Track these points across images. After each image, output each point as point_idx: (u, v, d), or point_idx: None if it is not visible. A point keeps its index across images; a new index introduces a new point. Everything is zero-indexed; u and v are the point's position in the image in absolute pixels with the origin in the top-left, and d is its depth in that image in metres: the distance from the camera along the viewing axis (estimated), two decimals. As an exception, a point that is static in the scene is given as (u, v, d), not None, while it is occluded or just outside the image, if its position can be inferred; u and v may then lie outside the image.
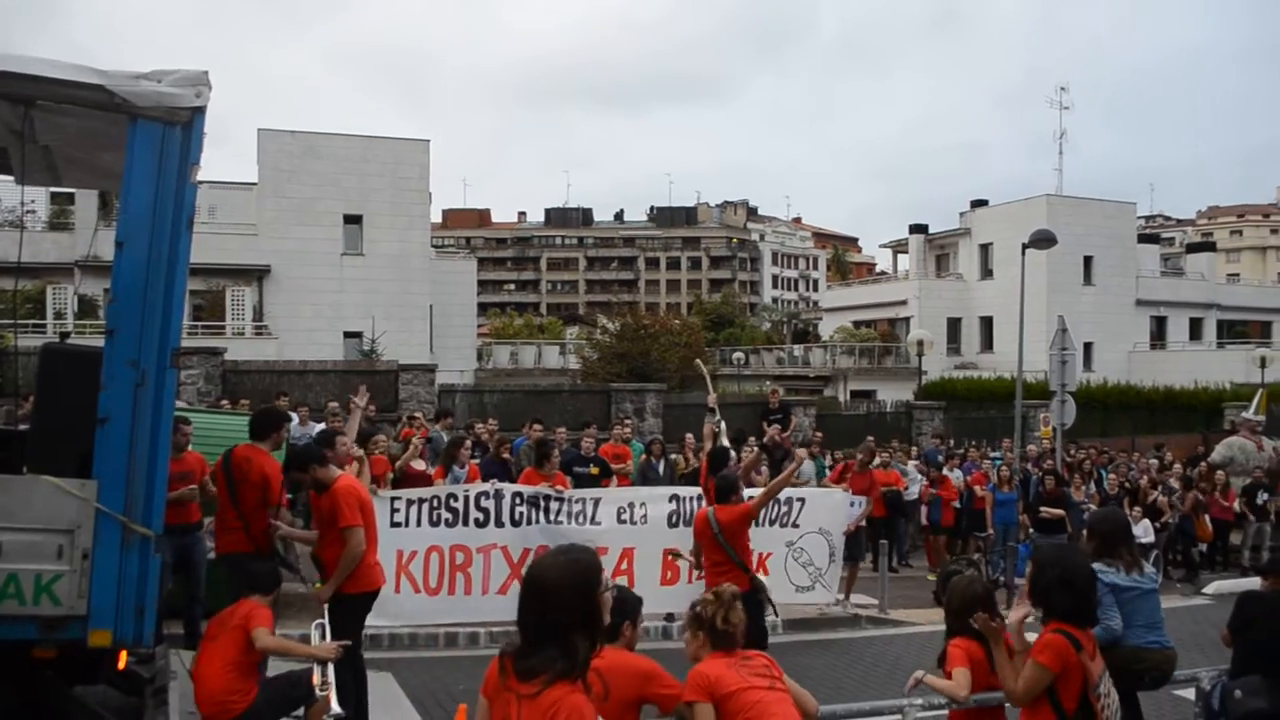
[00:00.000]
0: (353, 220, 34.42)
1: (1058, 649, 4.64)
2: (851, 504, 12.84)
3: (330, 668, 5.80)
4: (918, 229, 54.14)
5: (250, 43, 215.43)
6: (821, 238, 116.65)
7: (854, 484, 13.53)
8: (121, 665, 5.61)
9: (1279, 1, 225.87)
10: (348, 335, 32.92)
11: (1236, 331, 50.89)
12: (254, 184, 33.89)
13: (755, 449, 12.43)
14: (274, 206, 33.39)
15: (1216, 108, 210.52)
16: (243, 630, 5.86)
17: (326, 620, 6.44)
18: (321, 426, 14.21)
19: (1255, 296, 56.25)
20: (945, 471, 17.00)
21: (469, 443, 13.04)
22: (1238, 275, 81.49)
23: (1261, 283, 71.82)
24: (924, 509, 16.82)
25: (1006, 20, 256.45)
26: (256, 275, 33.38)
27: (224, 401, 16.26)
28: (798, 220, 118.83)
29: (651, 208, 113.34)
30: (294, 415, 13.93)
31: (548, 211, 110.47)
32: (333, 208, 34.00)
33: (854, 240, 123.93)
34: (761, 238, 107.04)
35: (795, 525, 11.58)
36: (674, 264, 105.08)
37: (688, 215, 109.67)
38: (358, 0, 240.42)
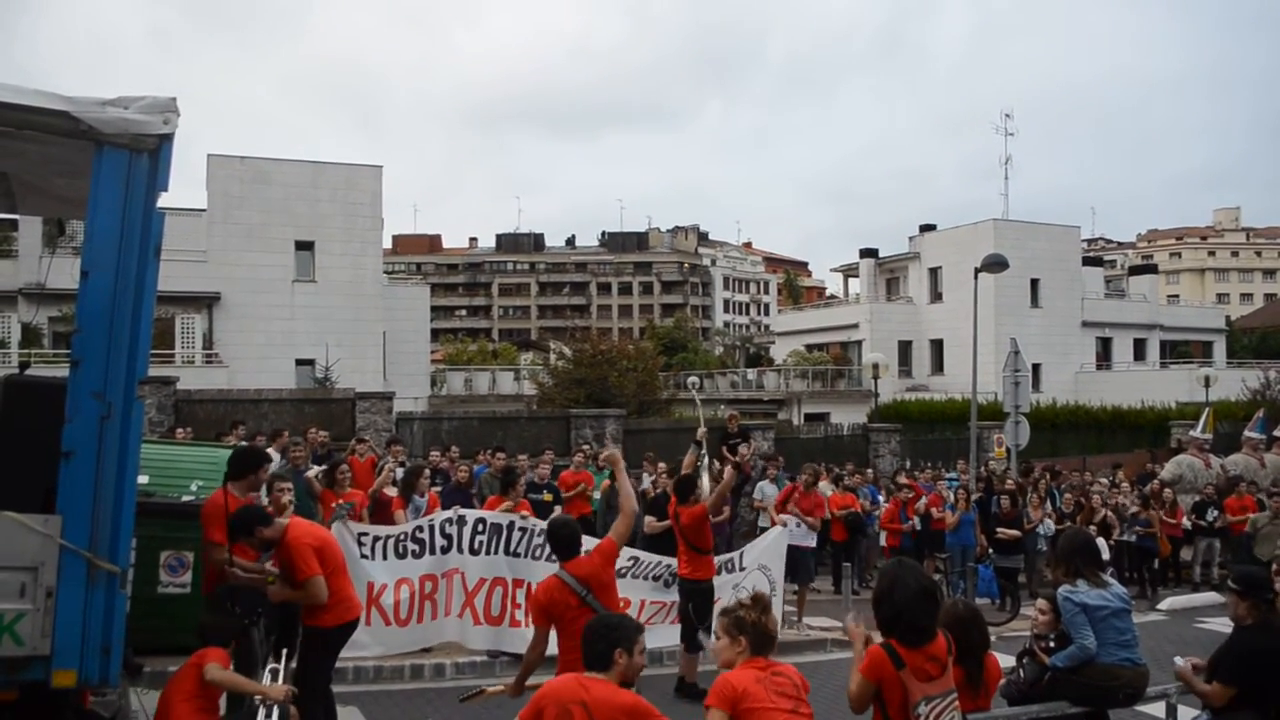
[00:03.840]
0: (304, 246, 34.09)
1: (873, 661, 4.71)
2: (798, 526, 13.03)
3: (276, 711, 5.69)
4: (868, 253, 54.75)
5: (199, 67, 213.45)
6: (772, 262, 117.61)
7: (801, 504, 13.69)
8: (86, 705, 5.46)
9: (1214, 32, 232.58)
10: (300, 363, 32.53)
11: (1179, 352, 51.95)
12: (203, 210, 33.46)
13: (729, 471, 12.37)
14: (224, 233, 32.99)
15: (1155, 134, 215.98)
16: (197, 666, 5.76)
17: (283, 664, 6.33)
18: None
19: (1196, 317, 57.51)
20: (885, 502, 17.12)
21: (428, 471, 12.95)
22: (1178, 297, 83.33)
23: (1201, 304, 73.54)
24: (884, 533, 16.92)
25: (951, 49, 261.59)
26: (206, 302, 32.92)
27: (178, 431, 15.96)
28: (748, 245, 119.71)
29: (603, 233, 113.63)
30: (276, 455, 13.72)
31: (499, 237, 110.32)
32: (284, 234, 33.67)
33: (804, 265, 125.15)
34: (713, 262, 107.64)
35: (741, 569, 11.70)
36: (626, 289, 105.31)
37: (639, 240, 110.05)
38: (309, 26, 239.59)
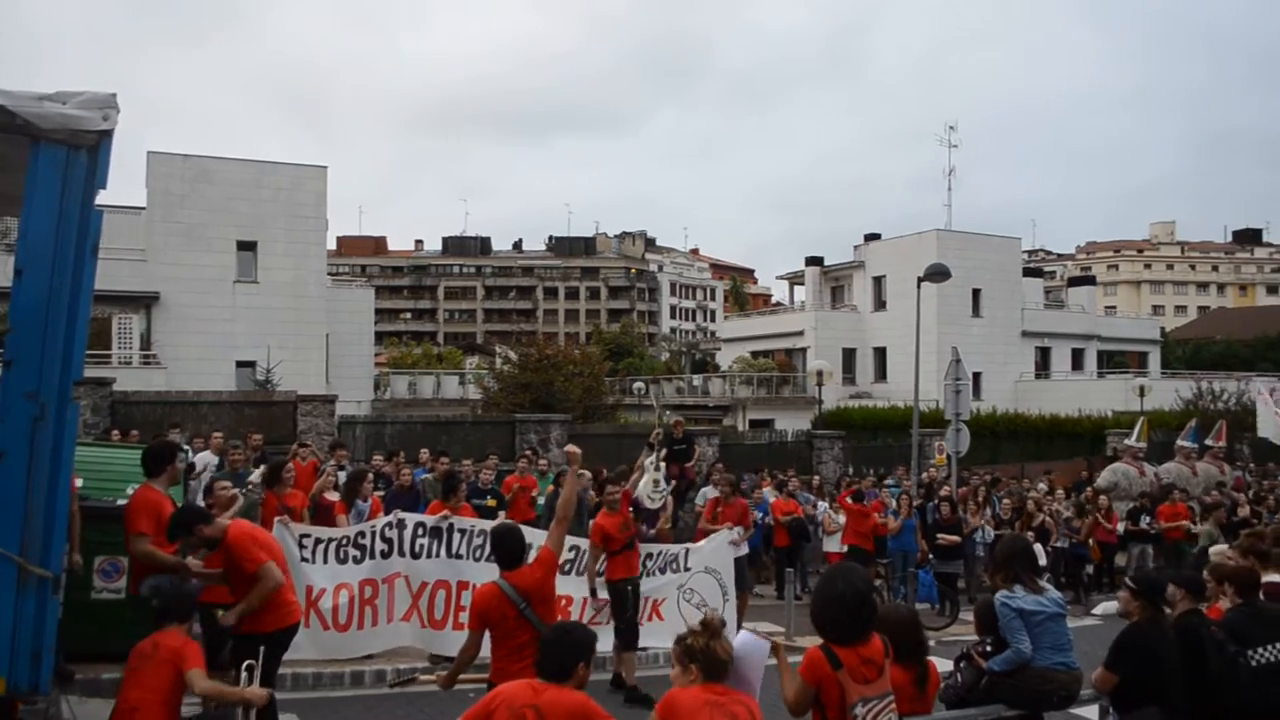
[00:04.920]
0: (246, 247, 33.58)
1: (810, 663, 4.78)
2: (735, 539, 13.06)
3: (254, 713, 5.64)
4: (813, 261, 55.20)
5: (140, 62, 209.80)
6: (719, 269, 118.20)
7: (725, 516, 13.62)
8: (16, 714, 5.32)
9: (1154, 52, 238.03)
10: (240, 365, 32.03)
11: (1116, 361, 53.01)
12: (143, 208, 32.86)
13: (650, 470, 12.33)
14: (164, 232, 32.40)
15: (1094, 149, 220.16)
16: (173, 666, 5.50)
17: (259, 661, 6.19)
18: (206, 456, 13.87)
19: (1132, 328, 58.75)
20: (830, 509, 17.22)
21: (371, 476, 12.84)
22: (1115, 308, 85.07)
23: (1138, 315, 75.19)
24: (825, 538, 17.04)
25: (899, 61, 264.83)
26: (145, 302, 32.30)
27: (114, 433, 15.66)
28: (695, 251, 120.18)
29: (550, 237, 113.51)
30: (188, 449, 13.52)
31: (445, 240, 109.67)
32: (225, 234, 33.12)
33: (751, 272, 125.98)
34: (660, 268, 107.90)
35: (687, 569, 11.72)
36: (573, 294, 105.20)
37: (586, 245, 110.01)
38: (255, 23, 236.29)
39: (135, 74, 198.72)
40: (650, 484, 10.44)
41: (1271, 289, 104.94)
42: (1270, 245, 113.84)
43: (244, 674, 6.00)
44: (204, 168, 33.13)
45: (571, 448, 7.32)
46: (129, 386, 21.25)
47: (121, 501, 9.20)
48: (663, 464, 11.31)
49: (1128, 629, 5.98)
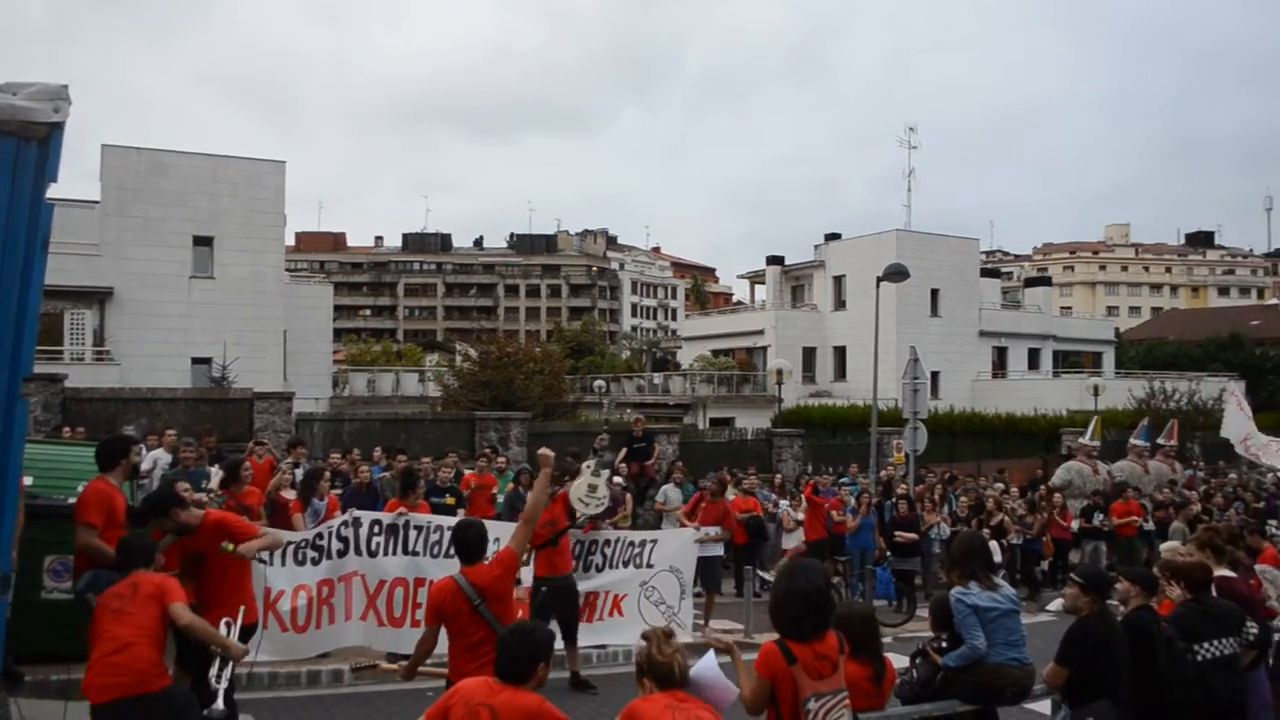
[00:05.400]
0: (203, 242, 33.13)
1: (766, 658, 4.80)
2: (704, 537, 13.08)
3: (230, 667, 5.63)
4: (774, 260, 55.44)
5: (99, 53, 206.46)
6: (680, 268, 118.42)
7: (707, 514, 13.67)
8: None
9: (1110, 59, 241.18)
10: (196, 361, 31.60)
11: (1071, 362, 53.69)
12: (96, 202, 32.34)
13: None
14: (118, 226, 31.88)
15: (1052, 153, 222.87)
16: (158, 602, 5.48)
17: (239, 619, 6.15)
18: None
19: (1087, 329, 59.53)
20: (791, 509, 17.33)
21: (328, 474, 12.73)
22: (1070, 309, 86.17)
23: (1092, 316, 76.22)
24: (785, 535, 17.13)
25: (862, 64, 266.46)
26: (98, 298, 31.78)
27: (65, 431, 15.42)
28: (657, 250, 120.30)
29: (511, 235, 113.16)
30: (143, 446, 13.35)
31: (406, 236, 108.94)
32: (181, 228, 32.65)
33: (712, 271, 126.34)
34: (621, 266, 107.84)
35: (649, 565, 11.74)
36: (534, 291, 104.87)
37: (548, 243, 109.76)
38: (216, 16, 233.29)
39: (91, 66, 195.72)
40: (584, 488, 10.38)
41: (1223, 291, 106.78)
42: (1222, 248, 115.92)
43: (223, 626, 5.93)
44: (159, 161, 32.65)
45: (544, 451, 7.30)
46: (81, 383, 20.94)
47: (72, 499, 9.07)
48: (604, 471, 11.25)
49: (1076, 623, 6.07)
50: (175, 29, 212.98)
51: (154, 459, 13.50)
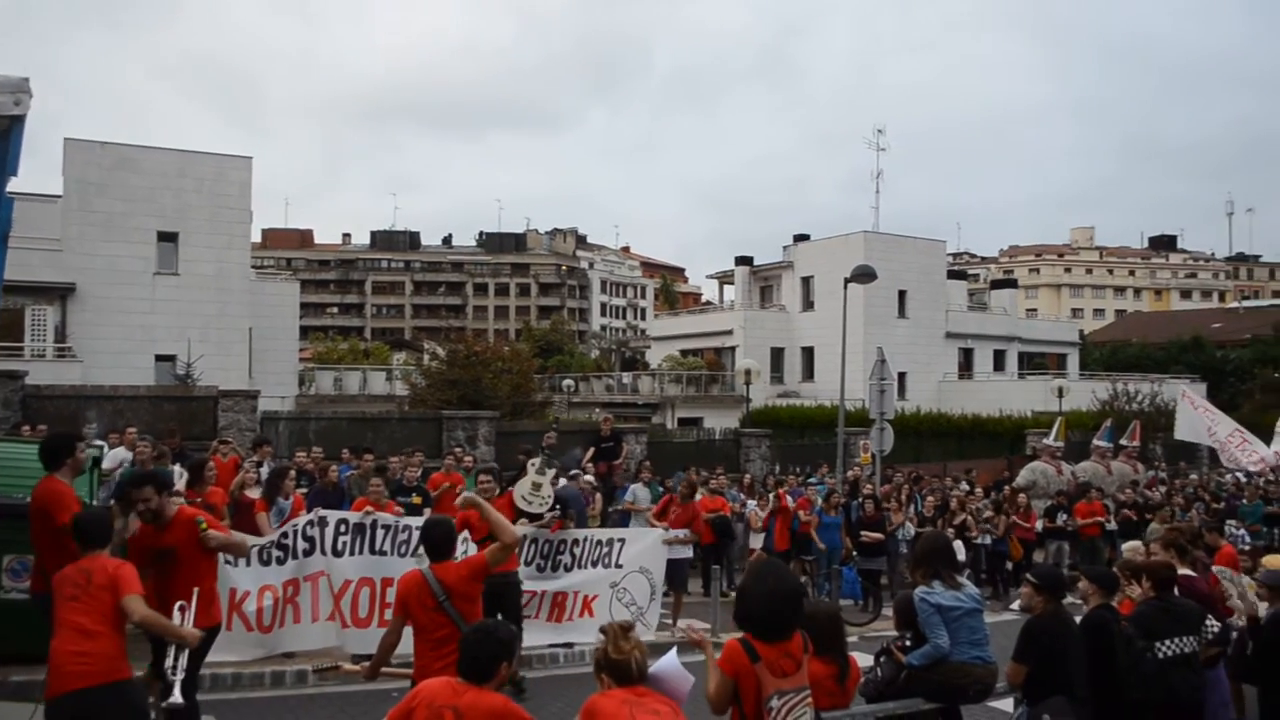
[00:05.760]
0: (167, 238, 32.76)
1: (730, 655, 4.81)
2: (673, 539, 13.08)
3: (185, 655, 5.58)
4: (743, 261, 55.59)
5: (61, 45, 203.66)
6: (650, 267, 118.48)
7: (678, 518, 13.66)
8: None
9: (1075, 63, 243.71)
10: (160, 358, 31.22)
11: (1036, 363, 54.20)
12: (59, 197, 31.92)
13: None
14: (80, 221, 31.47)
15: (1018, 156, 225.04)
16: (111, 594, 5.35)
17: (193, 605, 6.08)
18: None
19: (1052, 331, 60.11)
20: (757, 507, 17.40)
21: (293, 472, 12.62)
22: (1036, 310, 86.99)
23: (1057, 318, 76.93)
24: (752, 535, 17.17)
25: (830, 66, 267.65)
26: (60, 294, 31.33)
27: (24, 428, 15.20)
28: (626, 249, 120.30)
29: (481, 233, 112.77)
30: (102, 444, 13.17)
31: (374, 234, 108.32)
32: (145, 224, 32.28)
33: (681, 271, 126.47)
34: (591, 266, 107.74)
35: (619, 565, 11.75)
36: (503, 290, 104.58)
37: (517, 241, 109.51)
38: (182, 10, 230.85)
39: (55, 59, 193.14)
40: (528, 485, 10.36)
41: (1185, 294, 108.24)
42: (1184, 251, 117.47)
43: (176, 612, 5.88)
44: (124, 156, 32.28)
45: (467, 497, 7.14)
46: (42, 380, 20.67)
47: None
48: (549, 470, 11.22)
49: (1031, 620, 6.15)
50: (139, 21, 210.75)
51: (116, 457, 13.33)
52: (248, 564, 9.61)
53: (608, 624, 4.37)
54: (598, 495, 16.05)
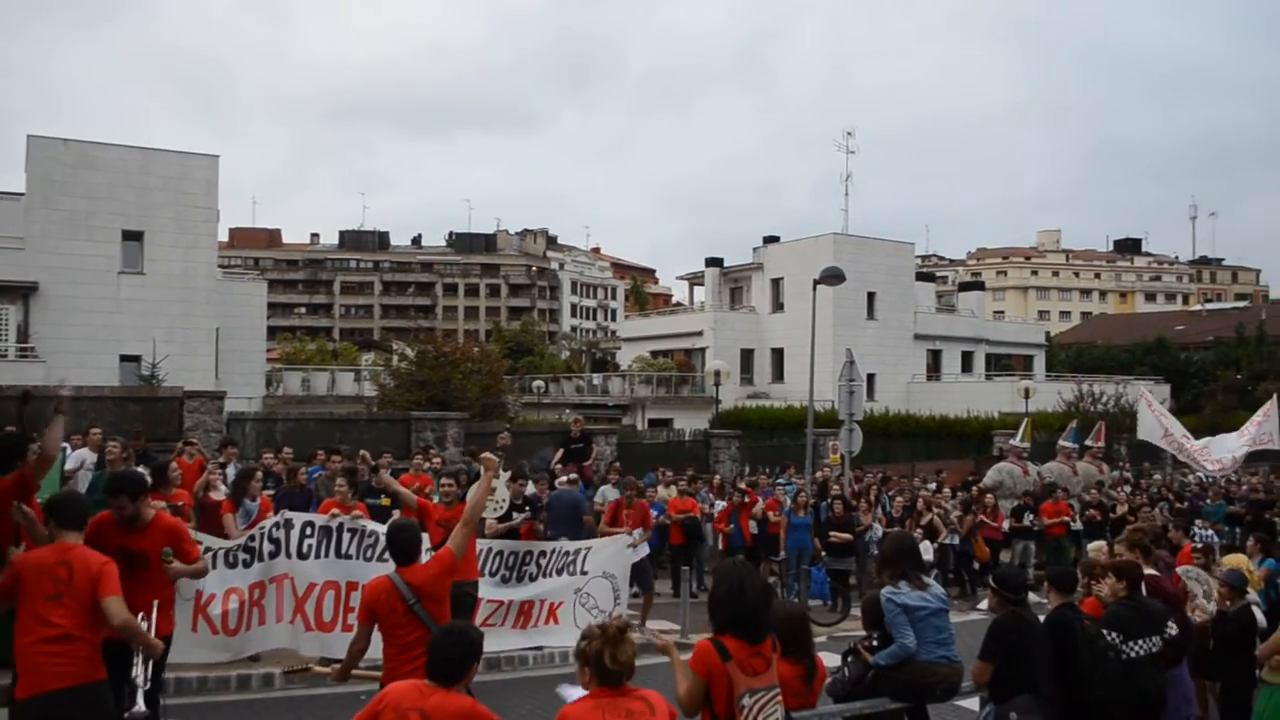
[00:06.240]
0: (132, 236, 32.41)
1: (701, 655, 4.81)
2: (634, 542, 13.09)
3: (150, 665, 5.55)
4: (713, 262, 55.69)
5: (25, 40, 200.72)
6: (620, 268, 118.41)
7: (630, 520, 13.67)
8: None
9: (1042, 67, 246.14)
10: (125, 359, 30.88)
11: (1003, 365, 54.71)
12: (21, 194, 31.52)
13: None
14: (43, 219, 31.08)
15: (985, 159, 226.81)
16: (91, 593, 5.20)
17: (154, 614, 6.02)
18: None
19: (1018, 333, 60.68)
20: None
21: (259, 474, 12.51)
22: (1003, 313, 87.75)
23: (1024, 320, 77.68)
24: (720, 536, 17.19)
25: (802, 69, 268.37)
26: (22, 293, 30.93)
27: (-15, 430, 14.96)
28: (597, 250, 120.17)
29: (450, 233, 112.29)
30: (65, 444, 13.00)
31: (342, 234, 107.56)
32: (110, 222, 31.92)
33: (652, 272, 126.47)
34: (561, 266, 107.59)
35: (584, 572, 11.76)
36: (473, 290, 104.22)
37: (487, 242, 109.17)
38: (149, 6, 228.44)
39: (18, 55, 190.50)
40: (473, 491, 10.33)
41: (1149, 297, 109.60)
42: (1149, 255, 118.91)
43: (140, 621, 5.78)
44: (87, 153, 31.91)
45: (488, 455, 7.22)
46: (3, 380, 20.47)
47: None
48: (503, 472, 11.22)
49: (996, 620, 6.23)
50: (106, 17, 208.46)
51: (79, 458, 13.17)
52: (213, 567, 9.51)
53: (605, 624, 4.26)
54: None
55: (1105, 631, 6.43)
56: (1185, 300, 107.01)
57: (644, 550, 13.75)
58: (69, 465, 12.34)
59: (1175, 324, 75.59)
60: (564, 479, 14.85)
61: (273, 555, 9.96)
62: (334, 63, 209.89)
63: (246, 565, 9.81)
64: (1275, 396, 22.91)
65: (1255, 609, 7.38)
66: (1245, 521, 19.35)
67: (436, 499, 14.49)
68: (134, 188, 32.34)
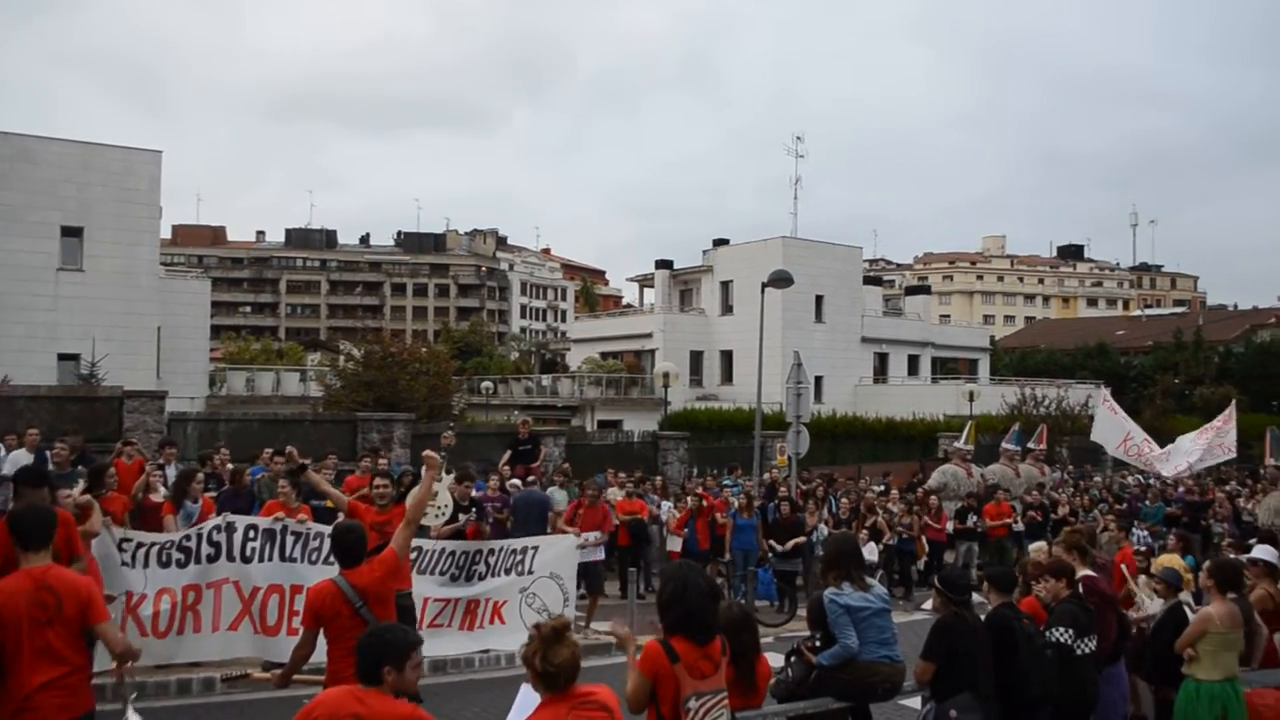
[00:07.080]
0: (71, 233, 31.72)
1: (650, 656, 4.82)
2: (585, 543, 13.08)
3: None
4: (663, 264, 55.85)
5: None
6: (570, 269, 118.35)
7: (587, 519, 13.73)
8: None
9: (992, 75, 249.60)
10: (63, 358, 30.25)
11: (948, 368, 55.39)
12: (-44, 189, 30.76)
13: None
14: (-21, 215, 30.40)
15: (932, 165, 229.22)
16: (80, 621, 4.95)
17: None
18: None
19: (964, 336, 61.54)
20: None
21: (201, 475, 12.32)
22: (949, 317, 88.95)
23: (969, 324, 78.82)
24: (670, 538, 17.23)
25: (752, 73, 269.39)
26: (-44, 290, 30.23)
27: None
28: (547, 251, 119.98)
29: (399, 233, 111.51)
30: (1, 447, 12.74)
31: (289, 232, 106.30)
32: (48, 218, 31.21)
33: (602, 273, 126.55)
34: (511, 267, 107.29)
35: (530, 572, 11.74)
36: (421, 290, 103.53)
37: (436, 242, 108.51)
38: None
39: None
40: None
41: (1091, 302, 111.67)
42: (1091, 261, 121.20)
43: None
44: (25, 147, 31.20)
45: (430, 453, 7.18)
46: (-64, 379, 19.89)
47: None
48: (445, 475, 11.13)
49: (938, 620, 6.35)
50: (41, 5, 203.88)
51: (17, 461, 12.87)
52: (146, 565, 9.35)
53: (541, 624, 4.15)
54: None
55: (1059, 629, 6.57)
56: (1126, 306, 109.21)
57: (600, 553, 13.77)
58: (6, 469, 12.07)
59: (1116, 329, 76.99)
60: (513, 481, 14.82)
61: (211, 559, 9.79)
62: (281, 58, 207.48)
63: (181, 565, 9.62)
64: (1233, 405, 23.06)
65: (1187, 608, 7.53)
66: (1182, 523, 19.71)
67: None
68: (73, 183, 31.68)
